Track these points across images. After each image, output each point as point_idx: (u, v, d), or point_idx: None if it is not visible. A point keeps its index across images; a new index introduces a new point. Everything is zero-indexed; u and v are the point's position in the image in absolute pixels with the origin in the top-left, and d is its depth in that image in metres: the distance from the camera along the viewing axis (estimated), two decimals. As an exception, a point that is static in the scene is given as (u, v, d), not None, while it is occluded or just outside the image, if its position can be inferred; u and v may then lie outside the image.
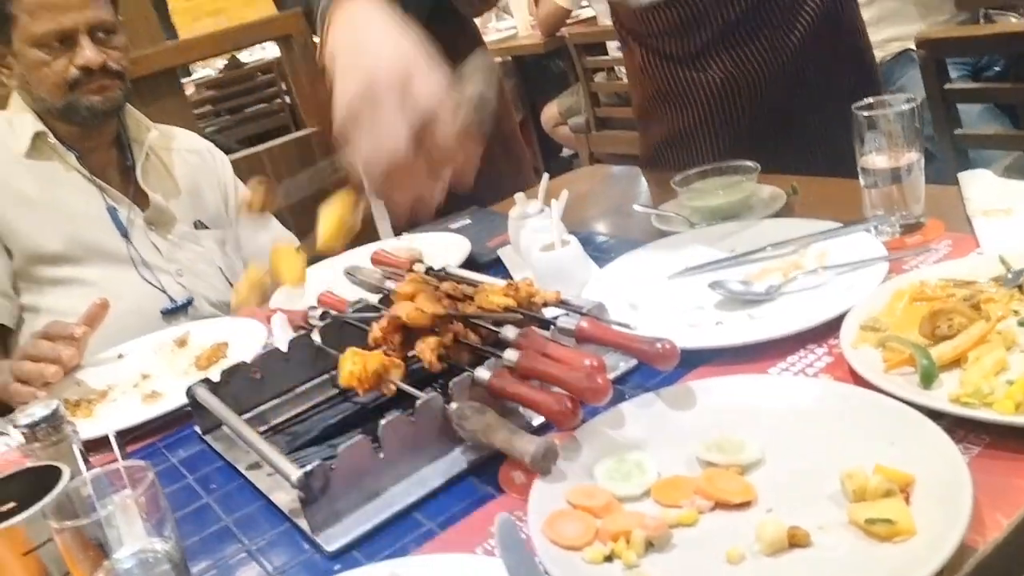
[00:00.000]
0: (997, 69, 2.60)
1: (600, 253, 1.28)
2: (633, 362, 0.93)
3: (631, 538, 0.66)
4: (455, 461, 0.84)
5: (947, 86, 1.90)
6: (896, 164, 1.06)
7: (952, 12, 2.64)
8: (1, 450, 1.14)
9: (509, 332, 0.90)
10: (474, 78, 0.88)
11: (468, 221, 1.63)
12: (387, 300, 1.09)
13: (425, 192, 0.86)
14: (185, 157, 1.66)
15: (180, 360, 1.26)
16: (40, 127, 1.47)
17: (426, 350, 0.91)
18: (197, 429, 1.03)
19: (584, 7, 3.92)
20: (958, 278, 0.89)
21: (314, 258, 1.57)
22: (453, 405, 0.83)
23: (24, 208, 1.45)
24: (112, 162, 1.55)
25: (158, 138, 1.60)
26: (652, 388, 0.86)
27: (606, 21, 3.67)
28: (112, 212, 1.50)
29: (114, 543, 0.69)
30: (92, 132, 1.50)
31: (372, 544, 0.78)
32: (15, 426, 0.94)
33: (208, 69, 5.98)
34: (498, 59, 4.04)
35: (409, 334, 0.95)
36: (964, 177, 1.17)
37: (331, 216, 0.99)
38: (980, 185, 1.14)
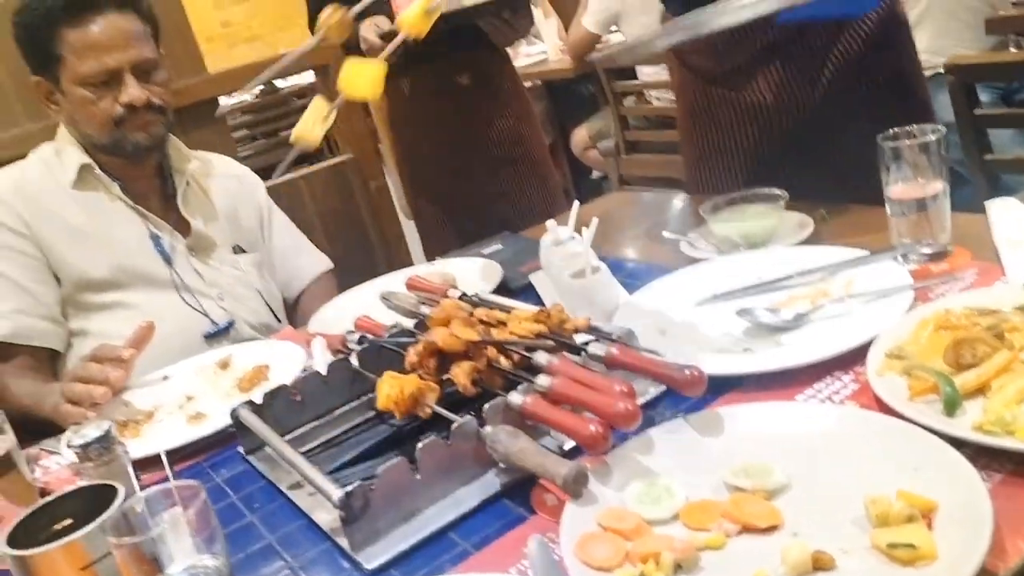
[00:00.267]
0: (1028, 93, 2.60)
1: (630, 279, 1.30)
2: (663, 388, 0.96)
3: (660, 560, 0.69)
4: (489, 483, 0.87)
5: (977, 111, 1.91)
6: (922, 194, 1.08)
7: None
8: (53, 468, 1.19)
9: (541, 358, 0.93)
10: None
11: (500, 246, 1.66)
12: (422, 325, 1.12)
13: None
14: (223, 183, 1.71)
15: (223, 382, 1.31)
16: (86, 159, 1.53)
17: (461, 375, 0.94)
18: (240, 449, 1.07)
19: (613, 32, 3.95)
20: (983, 307, 0.90)
21: (352, 283, 1.62)
22: (487, 428, 0.86)
23: (72, 237, 1.51)
24: (154, 191, 1.61)
25: (198, 166, 1.66)
26: (681, 414, 0.88)
27: (636, 46, 3.71)
28: (155, 239, 1.56)
29: (166, 559, 0.72)
30: (136, 164, 1.55)
31: (409, 563, 0.81)
32: (69, 446, 0.98)
33: (244, 94, 6.10)
34: (528, 83, 4.08)
35: (444, 359, 0.98)
36: (992, 205, 1.19)
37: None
38: (1008, 214, 1.16)
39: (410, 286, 1.31)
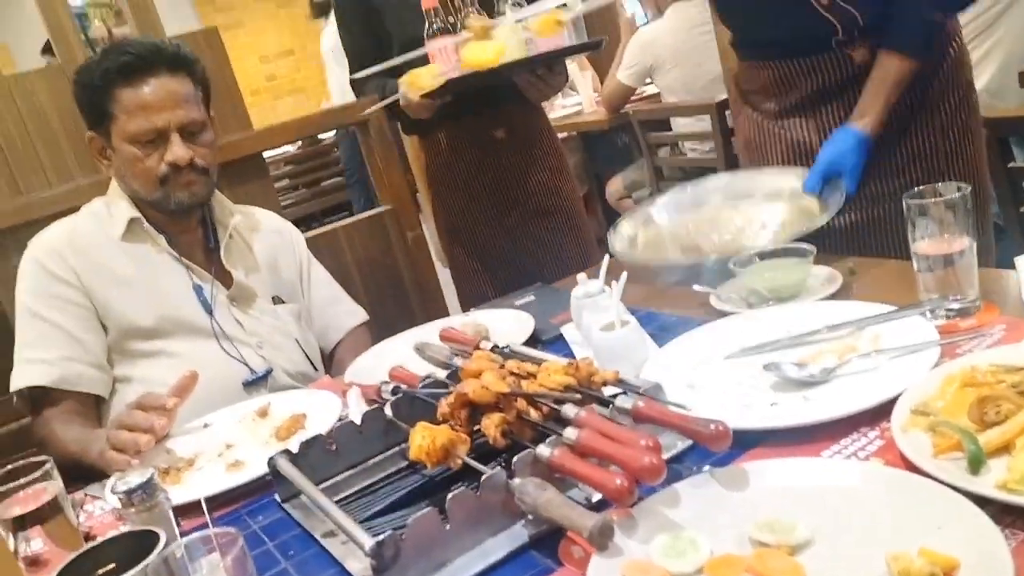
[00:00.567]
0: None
1: (659, 331, 1.32)
2: (689, 442, 0.97)
3: (684, 613, 0.70)
4: (517, 534, 0.89)
5: (1011, 165, 1.92)
6: (948, 250, 1.09)
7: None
8: (97, 514, 1.23)
9: (570, 410, 0.95)
10: None
11: (532, 298, 1.69)
12: (455, 376, 1.15)
13: None
14: (265, 236, 1.77)
15: (261, 430, 1.34)
16: (135, 213, 1.60)
17: (491, 427, 0.97)
18: (277, 497, 1.10)
19: (648, 84, 4.01)
20: (1008, 364, 0.91)
21: (388, 331, 1.66)
22: (516, 480, 0.88)
23: (120, 288, 1.57)
24: (198, 243, 1.67)
25: (241, 220, 1.72)
26: (707, 468, 0.90)
27: (670, 98, 3.76)
28: (198, 290, 1.61)
29: (204, 604, 0.75)
30: (180, 218, 1.62)
31: (438, 612, 0.82)
32: (113, 492, 1.02)
33: (286, 146, 6.26)
34: (563, 134, 4.15)
35: (475, 410, 1.01)
36: (1021, 261, 1.19)
37: None
38: (1037, 269, 1.16)
39: (443, 337, 1.34)
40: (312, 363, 1.72)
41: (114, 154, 1.57)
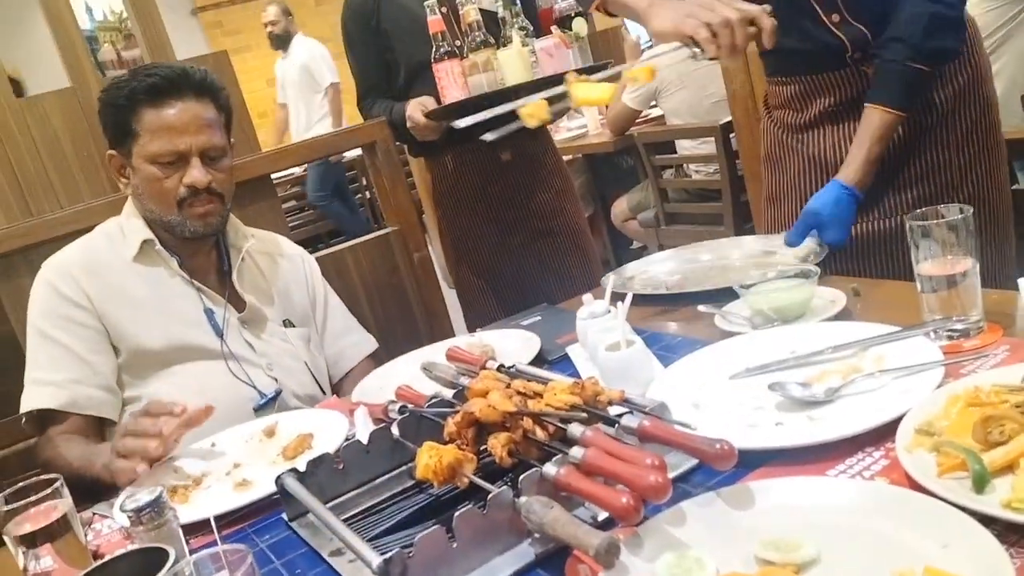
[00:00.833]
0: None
1: (665, 351, 1.33)
2: (695, 461, 0.97)
3: (689, 632, 0.70)
4: (524, 553, 0.89)
5: (1015, 187, 1.92)
6: (951, 271, 1.10)
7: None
8: (104, 532, 1.23)
9: (576, 430, 0.96)
10: None
11: (538, 318, 1.70)
12: (461, 395, 1.16)
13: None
14: (278, 261, 1.79)
15: (268, 450, 1.35)
16: (148, 235, 1.61)
17: (497, 446, 0.97)
18: (284, 516, 1.11)
19: (652, 107, 4.04)
20: (1012, 384, 0.91)
21: (395, 350, 1.67)
22: (522, 499, 0.88)
23: (132, 309, 1.58)
24: (211, 266, 1.68)
25: (255, 244, 1.74)
26: (713, 487, 0.90)
27: (674, 120, 3.79)
28: (209, 313, 1.62)
29: (212, 621, 0.76)
30: (194, 242, 1.64)
31: (445, 630, 0.83)
32: (121, 510, 1.02)
33: (293, 168, 6.31)
34: (569, 156, 4.17)
35: (482, 429, 1.02)
36: (1024, 283, 1.20)
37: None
38: (1040, 290, 1.17)
39: (450, 357, 1.35)
40: (321, 387, 1.73)
41: (133, 173, 1.59)
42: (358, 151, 4.49)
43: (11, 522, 1.00)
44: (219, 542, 0.83)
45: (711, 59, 1.43)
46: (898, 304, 1.25)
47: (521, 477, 0.90)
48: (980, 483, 0.78)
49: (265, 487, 1.17)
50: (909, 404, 0.95)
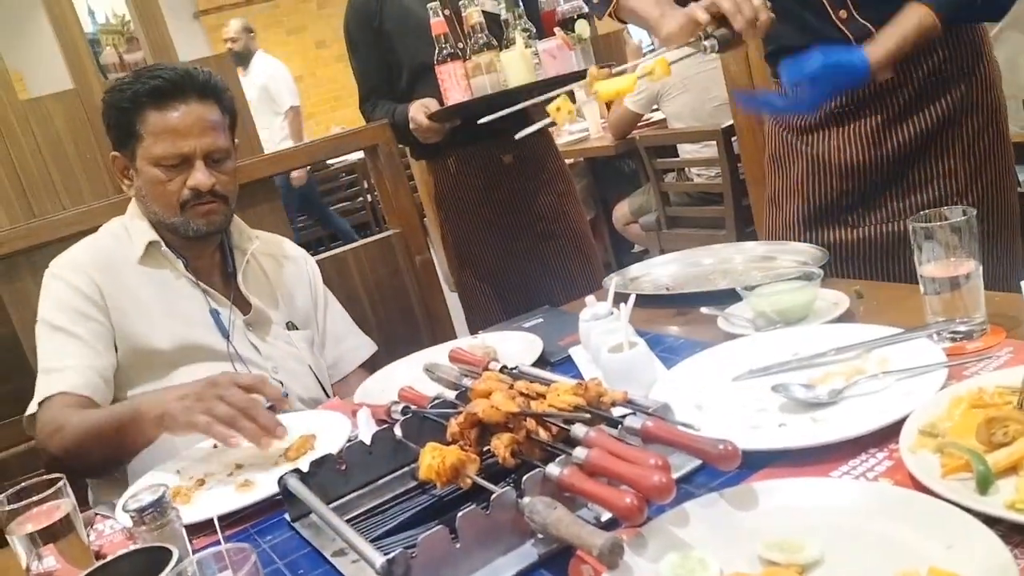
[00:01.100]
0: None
1: (668, 353, 1.33)
2: (698, 462, 0.97)
3: (693, 632, 0.70)
4: (527, 553, 0.89)
5: (1020, 189, 1.92)
6: (954, 273, 1.10)
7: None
8: (107, 533, 1.23)
9: (579, 430, 0.96)
10: None
11: (540, 320, 1.70)
12: (464, 396, 1.16)
13: None
14: (282, 263, 1.79)
15: (271, 451, 1.34)
16: (153, 236, 1.61)
17: (500, 446, 0.97)
18: (287, 516, 1.10)
19: (654, 111, 4.04)
20: (1015, 386, 0.91)
21: (397, 353, 1.67)
22: (526, 500, 0.88)
23: (138, 311, 1.58)
24: (216, 267, 1.68)
25: (260, 246, 1.74)
26: (717, 488, 0.90)
27: (676, 124, 3.79)
28: (215, 315, 1.62)
29: (215, 620, 0.75)
30: (198, 243, 1.63)
31: (448, 631, 0.82)
32: (124, 510, 1.03)
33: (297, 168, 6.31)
34: (571, 160, 4.17)
35: (485, 430, 1.02)
36: (1027, 284, 1.20)
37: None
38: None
39: (453, 358, 1.35)
40: (324, 390, 1.73)
41: (136, 175, 1.59)
42: (358, 154, 4.50)
43: (14, 522, 1.00)
44: (222, 541, 0.83)
45: (720, 50, 1.41)
46: (901, 306, 1.25)
47: (524, 478, 0.90)
48: (984, 484, 0.78)
49: (268, 488, 1.17)
50: (913, 406, 0.94)
